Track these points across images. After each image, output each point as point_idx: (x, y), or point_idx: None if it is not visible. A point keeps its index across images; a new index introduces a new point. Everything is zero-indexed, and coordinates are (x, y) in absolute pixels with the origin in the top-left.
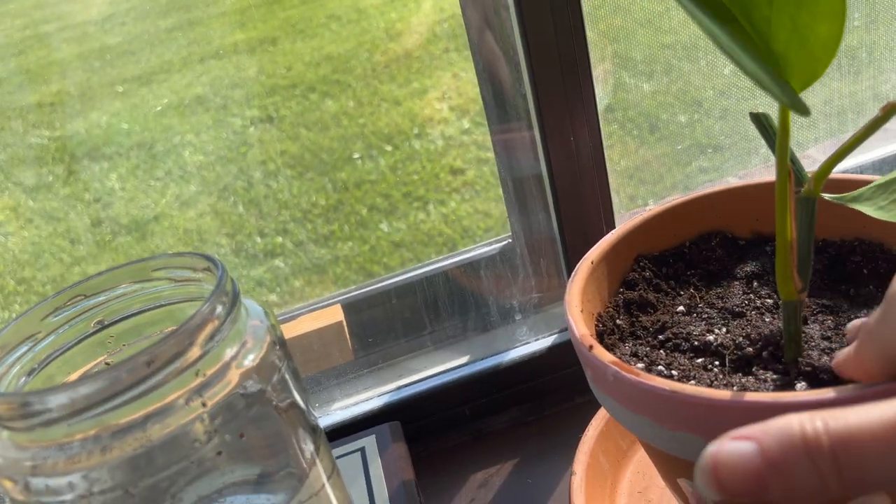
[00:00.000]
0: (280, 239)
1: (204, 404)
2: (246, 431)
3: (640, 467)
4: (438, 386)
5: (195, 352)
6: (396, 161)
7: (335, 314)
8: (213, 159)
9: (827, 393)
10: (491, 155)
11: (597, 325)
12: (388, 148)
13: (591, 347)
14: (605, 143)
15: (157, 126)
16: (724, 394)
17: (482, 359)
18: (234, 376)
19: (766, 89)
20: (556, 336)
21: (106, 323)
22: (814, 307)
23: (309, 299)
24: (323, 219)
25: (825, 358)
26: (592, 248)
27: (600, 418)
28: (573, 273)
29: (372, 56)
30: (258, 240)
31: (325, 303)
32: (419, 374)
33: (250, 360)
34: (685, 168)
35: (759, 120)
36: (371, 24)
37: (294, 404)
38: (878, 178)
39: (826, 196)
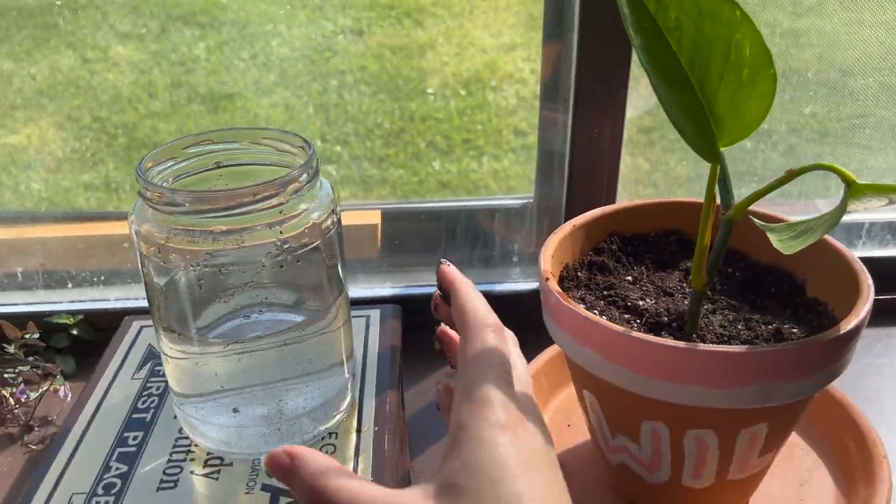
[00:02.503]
0: (339, 148)
1: (281, 232)
2: (298, 264)
3: (570, 397)
4: None
5: (283, 198)
6: (466, 107)
7: (375, 217)
8: (297, 56)
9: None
10: None
11: (562, 272)
12: (462, 92)
13: (547, 279)
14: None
15: (254, 8)
16: (618, 327)
17: (479, 284)
18: (302, 222)
19: (688, 142)
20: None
21: (222, 164)
22: (724, 303)
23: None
24: (382, 141)
25: (712, 337)
26: (579, 216)
27: (551, 351)
28: (557, 229)
29: None
30: (318, 143)
31: (369, 207)
32: (426, 282)
33: (315, 217)
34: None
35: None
36: None
37: (335, 258)
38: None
39: (756, 222)
